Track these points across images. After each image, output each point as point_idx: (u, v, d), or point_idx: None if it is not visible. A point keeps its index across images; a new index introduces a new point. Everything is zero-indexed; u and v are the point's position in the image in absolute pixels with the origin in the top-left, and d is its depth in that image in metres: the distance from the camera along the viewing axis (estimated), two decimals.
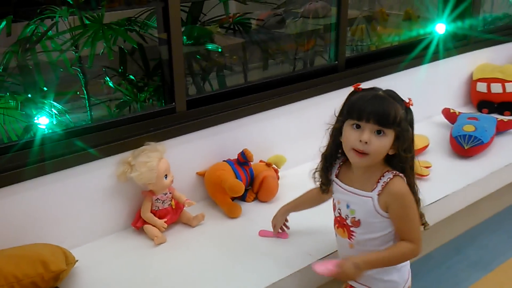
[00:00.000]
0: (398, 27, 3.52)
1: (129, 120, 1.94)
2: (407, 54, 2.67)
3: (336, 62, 2.50)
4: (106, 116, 2.52)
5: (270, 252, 1.76)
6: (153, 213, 1.87)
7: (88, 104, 2.47)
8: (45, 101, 2.20)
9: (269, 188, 2.08)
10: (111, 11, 2.57)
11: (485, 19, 3.49)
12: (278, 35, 3.22)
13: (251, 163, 2.11)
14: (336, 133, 1.46)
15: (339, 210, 1.50)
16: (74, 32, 2.27)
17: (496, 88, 2.91)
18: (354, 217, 1.45)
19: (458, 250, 2.34)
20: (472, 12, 2.96)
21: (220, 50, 2.79)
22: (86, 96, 2.46)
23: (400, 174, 1.42)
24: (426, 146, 2.45)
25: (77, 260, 1.66)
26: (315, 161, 1.55)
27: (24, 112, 2.15)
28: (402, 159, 1.40)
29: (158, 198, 1.88)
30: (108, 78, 2.53)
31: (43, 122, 2.12)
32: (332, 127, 1.47)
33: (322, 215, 1.64)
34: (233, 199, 2.03)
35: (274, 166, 2.19)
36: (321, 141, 1.51)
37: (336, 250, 1.64)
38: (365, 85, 1.47)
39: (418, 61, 2.70)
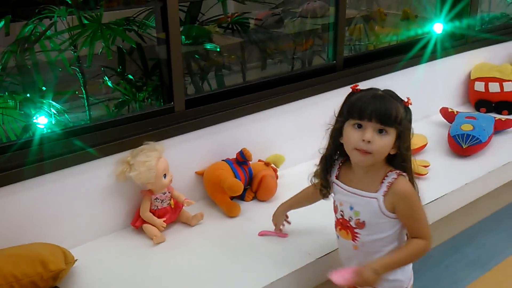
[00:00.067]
0: (396, 27, 3.52)
1: (127, 120, 1.94)
2: (405, 54, 2.68)
3: (334, 61, 2.50)
4: (104, 115, 2.52)
5: (269, 251, 1.76)
6: (152, 213, 1.87)
7: (87, 103, 2.47)
8: (44, 101, 2.20)
9: (268, 187, 2.08)
10: (109, 10, 2.57)
11: (483, 18, 3.50)
12: (277, 34, 3.22)
13: (250, 162, 2.11)
14: (336, 134, 1.44)
15: (341, 212, 1.47)
16: (72, 32, 2.27)
17: (494, 87, 2.91)
18: (359, 219, 1.43)
19: (457, 249, 2.34)
20: (469, 12, 2.97)
21: (218, 49, 2.79)
22: (84, 95, 2.46)
23: (404, 174, 1.41)
24: (424, 145, 2.46)
25: (76, 260, 1.66)
26: (314, 161, 1.54)
27: (22, 112, 2.15)
28: (404, 158, 1.40)
29: (157, 198, 1.88)
30: (106, 78, 2.54)
31: (42, 121, 2.12)
32: (331, 128, 1.45)
33: (321, 215, 1.64)
34: (232, 198, 2.03)
35: (272, 165, 2.19)
36: (320, 141, 1.50)
37: (335, 249, 1.64)
38: (363, 84, 1.47)
39: (416, 60, 2.70)
